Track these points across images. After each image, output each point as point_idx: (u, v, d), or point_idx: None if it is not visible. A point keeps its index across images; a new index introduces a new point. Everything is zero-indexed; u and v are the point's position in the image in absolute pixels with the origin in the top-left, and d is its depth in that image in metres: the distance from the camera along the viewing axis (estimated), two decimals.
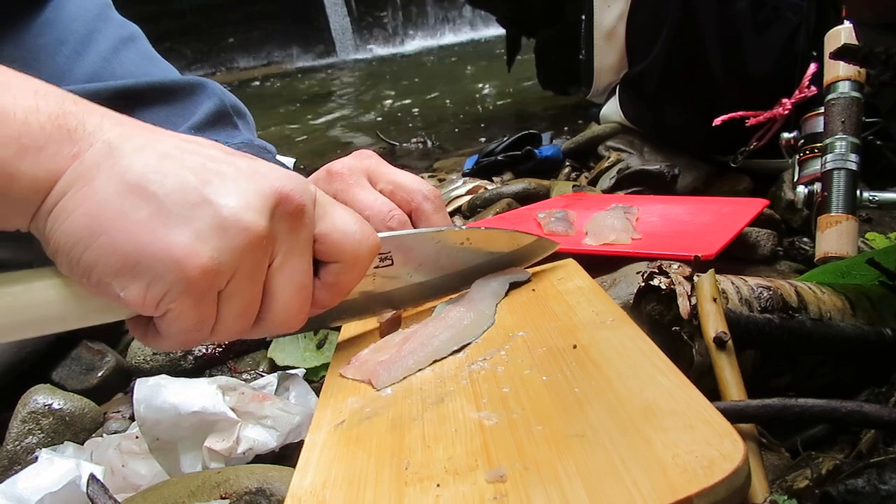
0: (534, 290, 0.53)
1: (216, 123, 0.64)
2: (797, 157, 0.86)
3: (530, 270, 0.56)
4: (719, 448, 0.28)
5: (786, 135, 0.90)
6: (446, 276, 0.53)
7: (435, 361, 0.46)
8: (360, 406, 0.43)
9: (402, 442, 0.37)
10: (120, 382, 0.73)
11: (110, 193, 0.32)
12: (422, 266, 0.52)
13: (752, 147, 0.97)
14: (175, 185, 0.33)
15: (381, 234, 0.45)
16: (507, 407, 0.37)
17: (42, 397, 0.63)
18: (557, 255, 0.60)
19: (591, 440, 0.32)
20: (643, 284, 0.48)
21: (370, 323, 0.58)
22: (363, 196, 0.53)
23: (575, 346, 0.41)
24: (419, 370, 0.45)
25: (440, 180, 1.47)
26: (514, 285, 0.53)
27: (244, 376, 0.70)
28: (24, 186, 0.31)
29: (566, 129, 1.82)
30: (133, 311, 0.34)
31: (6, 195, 0.31)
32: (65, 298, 0.34)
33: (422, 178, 0.61)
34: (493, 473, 0.32)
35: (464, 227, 0.55)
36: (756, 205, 0.82)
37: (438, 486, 0.32)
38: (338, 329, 0.71)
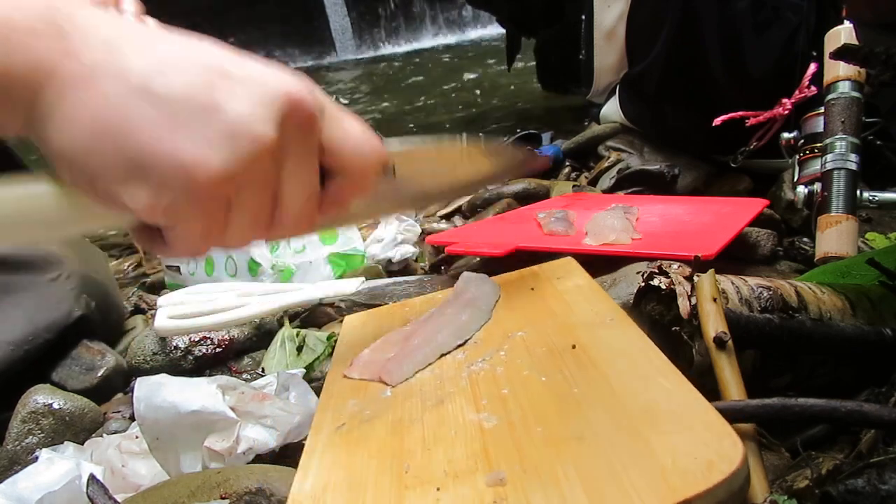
0: (532, 288, 0.53)
1: None
2: (797, 157, 0.86)
3: (530, 269, 0.56)
4: (718, 450, 0.28)
5: (786, 135, 0.90)
6: (448, 186, 0.53)
7: (442, 355, 0.46)
8: (360, 409, 0.43)
9: (402, 445, 0.37)
10: (120, 382, 0.73)
11: (114, 96, 0.30)
12: (422, 175, 0.51)
13: (752, 147, 0.97)
14: (181, 87, 0.31)
15: (388, 148, 0.43)
16: (506, 408, 0.37)
17: (42, 397, 0.63)
18: (558, 256, 0.60)
19: (591, 442, 0.32)
20: (643, 284, 0.48)
21: (368, 323, 0.58)
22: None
23: (574, 347, 0.41)
24: (428, 364, 0.46)
25: None
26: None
27: (244, 376, 0.70)
28: (12, 81, 0.30)
29: (566, 129, 1.82)
30: (140, 220, 0.33)
31: None
32: (65, 203, 0.32)
33: None
34: (492, 477, 0.32)
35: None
36: (756, 205, 0.82)
37: (438, 489, 0.32)
38: (317, 330, 0.72)
